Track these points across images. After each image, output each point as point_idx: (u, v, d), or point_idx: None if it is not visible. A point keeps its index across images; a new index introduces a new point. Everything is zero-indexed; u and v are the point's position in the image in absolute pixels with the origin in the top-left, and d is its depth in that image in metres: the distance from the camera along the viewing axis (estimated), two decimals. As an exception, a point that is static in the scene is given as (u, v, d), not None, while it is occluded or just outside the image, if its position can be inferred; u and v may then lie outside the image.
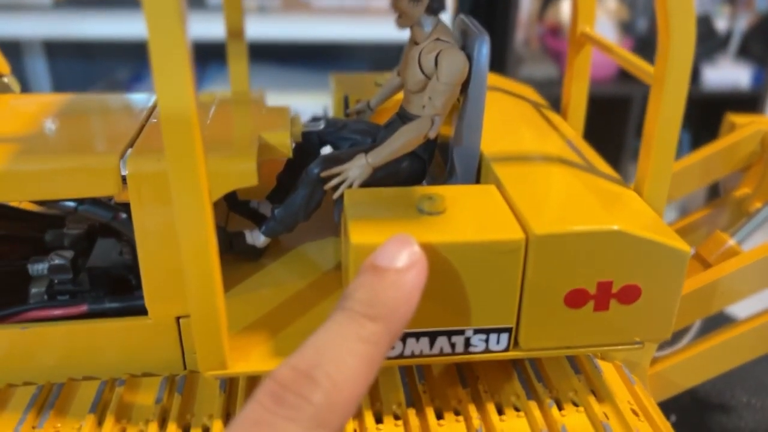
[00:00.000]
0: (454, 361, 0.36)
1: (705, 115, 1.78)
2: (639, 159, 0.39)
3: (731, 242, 0.48)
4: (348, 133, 0.44)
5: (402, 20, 0.39)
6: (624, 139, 1.82)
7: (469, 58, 0.38)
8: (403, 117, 0.41)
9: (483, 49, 0.38)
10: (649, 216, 0.36)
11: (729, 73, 1.82)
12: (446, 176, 0.42)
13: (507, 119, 0.47)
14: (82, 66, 1.92)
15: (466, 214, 0.34)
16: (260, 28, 1.46)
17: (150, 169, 0.36)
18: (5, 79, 0.50)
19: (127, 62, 1.85)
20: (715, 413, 0.58)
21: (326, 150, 0.46)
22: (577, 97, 0.49)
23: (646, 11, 1.89)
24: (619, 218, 0.34)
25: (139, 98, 0.46)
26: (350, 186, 0.38)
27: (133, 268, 0.45)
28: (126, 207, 0.39)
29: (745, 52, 1.86)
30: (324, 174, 0.38)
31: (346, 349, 0.24)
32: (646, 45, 1.80)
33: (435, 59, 0.38)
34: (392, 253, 0.27)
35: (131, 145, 0.38)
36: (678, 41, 0.35)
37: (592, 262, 0.34)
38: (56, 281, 0.44)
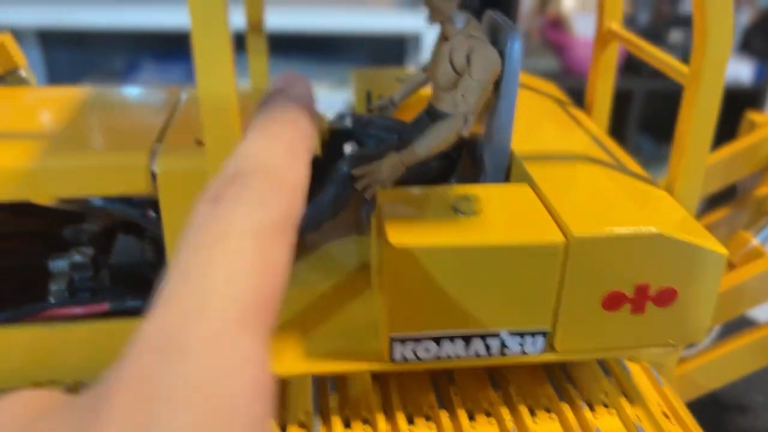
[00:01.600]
0: (489, 365, 0.36)
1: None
2: (671, 157, 0.39)
3: (755, 242, 0.47)
4: (374, 129, 0.44)
5: (433, 16, 0.39)
6: (625, 132, 1.82)
7: (501, 54, 0.38)
8: (432, 114, 0.41)
9: (515, 46, 0.38)
10: (684, 217, 0.36)
11: (730, 68, 1.80)
12: (474, 174, 0.42)
13: (534, 116, 0.46)
14: (77, 55, 1.90)
15: (503, 215, 0.34)
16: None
17: (180, 167, 0.35)
18: (22, 72, 0.49)
19: (122, 52, 1.84)
20: (731, 413, 0.58)
21: (349, 146, 0.46)
22: (602, 94, 0.49)
23: (648, 5, 1.88)
24: (656, 220, 0.34)
25: (162, 92, 0.45)
26: (382, 185, 0.37)
27: (155, 265, 0.45)
28: (153, 204, 0.38)
29: (746, 47, 1.86)
30: (356, 172, 0.38)
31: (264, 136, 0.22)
32: (647, 38, 1.80)
33: (467, 56, 0.37)
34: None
35: (159, 140, 0.37)
36: (715, 42, 0.35)
37: (630, 264, 0.33)
38: (76, 278, 0.43)
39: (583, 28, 1.79)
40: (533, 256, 0.32)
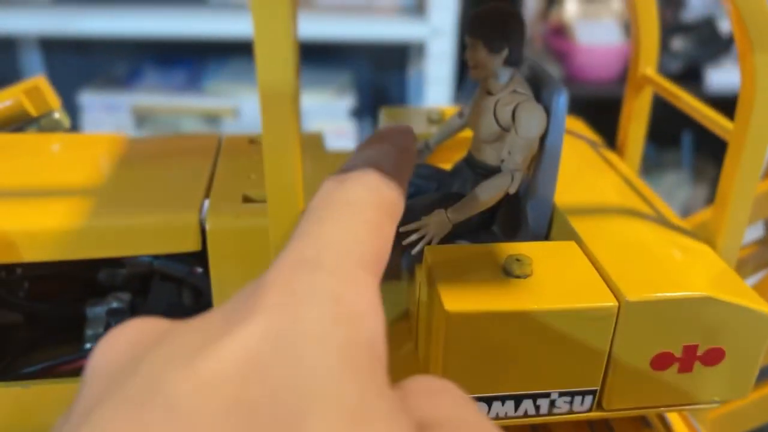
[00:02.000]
0: (537, 423, 0.36)
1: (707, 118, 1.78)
2: (713, 211, 0.39)
3: (786, 283, 0.48)
4: (413, 178, 0.44)
5: (477, 71, 0.39)
6: (629, 141, 1.82)
7: (545, 108, 0.38)
8: (472, 164, 0.41)
9: (560, 102, 0.38)
10: (729, 275, 0.36)
11: (733, 76, 1.82)
12: (515, 225, 0.42)
13: (570, 163, 0.46)
14: (79, 62, 1.89)
15: (554, 277, 0.34)
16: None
17: (229, 225, 0.35)
18: (56, 115, 0.49)
19: (124, 58, 1.83)
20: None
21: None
22: (635, 138, 0.49)
23: (651, 13, 1.89)
24: (705, 282, 0.34)
25: (200, 139, 0.45)
26: (429, 242, 0.37)
27: (191, 313, 0.45)
28: (199, 260, 0.38)
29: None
30: (403, 229, 0.38)
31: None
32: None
33: (512, 112, 0.38)
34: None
35: (207, 194, 0.37)
36: (762, 102, 0.35)
37: (680, 326, 0.34)
38: (113, 324, 0.44)
39: (586, 35, 1.80)
40: (586, 320, 0.33)
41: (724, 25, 1.89)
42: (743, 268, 0.55)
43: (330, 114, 1.63)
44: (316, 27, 1.58)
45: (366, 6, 1.67)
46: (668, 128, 1.80)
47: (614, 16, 1.89)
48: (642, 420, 0.41)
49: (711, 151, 1.97)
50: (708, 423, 0.45)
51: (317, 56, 1.77)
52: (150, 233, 0.35)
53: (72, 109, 1.52)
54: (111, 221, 0.35)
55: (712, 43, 1.84)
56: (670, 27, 1.89)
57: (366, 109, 1.74)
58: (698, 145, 2.04)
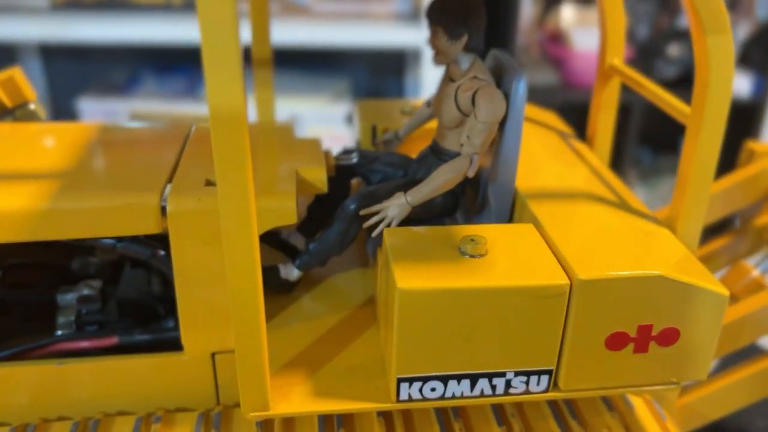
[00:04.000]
0: (493, 402, 0.36)
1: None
2: (674, 194, 0.39)
3: (755, 273, 0.48)
4: (380, 165, 0.44)
5: (439, 58, 0.40)
6: (624, 146, 1.83)
7: (506, 95, 0.38)
8: (436, 151, 0.41)
9: (520, 88, 0.38)
10: (686, 257, 0.36)
11: (729, 83, 1.82)
12: (477, 209, 0.42)
13: (537, 151, 0.47)
14: (78, 68, 1.90)
15: (509, 257, 0.35)
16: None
17: (191, 208, 0.36)
18: (32, 106, 0.49)
19: (122, 65, 1.84)
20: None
21: (355, 182, 0.46)
22: (603, 127, 0.49)
23: (647, 19, 1.90)
24: (659, 261, 0.35)
25: (169, 128, 0.46)
26: (389, 224, 0.38)
27: (161, 298, 0.45)
28: (162, 241, 0.39)
29: (745, 60, 1.87)
30: (363, 212, 0.38)
31: None
32: (646, 53, 1.80)
33: (472, 97, 0.38)
34: None
35: (170, 180, 0.38)
36: (717, 84, 0.35)
37: (634, 305, 0.34)
38: (84, 311, 0.44)
39: (582, 41, 1.80)
40: (539, 298, 0.33)
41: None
42: (717, 259, 0.56)
43: (327, 120, 1.63)
44: (312, 34, 1.59)
45: (362, 13, 1.68)
46: (665, 134, 1.80)
47: (610, 22, 1.89)
48: (606, 404, 0.41)
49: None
50: (675, 411, 0.45)
51: (314, 63, 1.78)
52: (112, 215, 0.36)
53: (71, 115, 1.53)
54: (74, 203, 0.36)
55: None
56: (665, 33, 1.89)
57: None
58: (695, 151, 2.03)
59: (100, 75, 1.83)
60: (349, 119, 1.67)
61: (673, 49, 1.82)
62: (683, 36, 1.83)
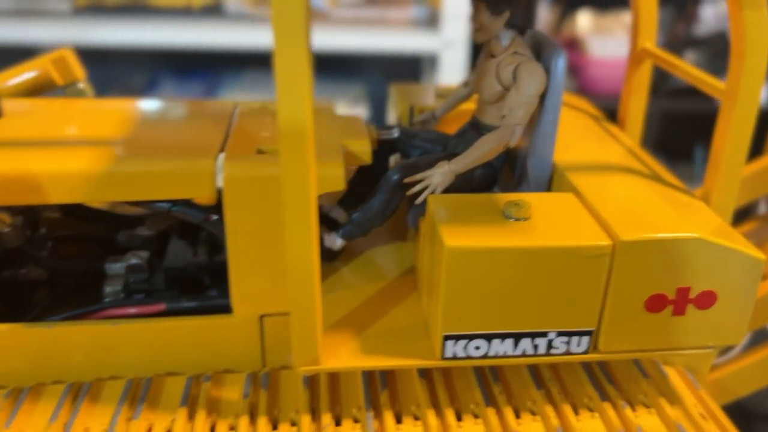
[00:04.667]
0: (536, 363, 0.37)
1: (720, 131, 1.79)
2: (707, 170, 0.41)
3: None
4: (419, 141, 0.46)
5: (480, 34, 0.41)
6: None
7: (546, 70, 0.40)
8: (476, 126, 0.43)
9: (559, 63, 0.40)
10: (721, 224, 0.38)
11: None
12: (515, 184, 0.44)
13: (572, 130, 0.48)
14: (97, 72, 1.93)
15: (552, 221, 0.36)
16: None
17: (245, 174, 0.37)
18: (80, 85, 0.51)
19: (141, 68, 1.87)
20: (757, 421, 0.60)
21: (395, 157, 0.48)
22: (635, 110, 0.51)
23: (663, 26, 1.91)
24: (697, 226, 0.36)
25: (216, 106, 0.47)
26: (433, 192, 0.39)
27: (207, 268, 0.47)
28: (215, 208, 0.40)
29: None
30: (407, 180, 0.40)
31: None
32: (663, 60, 1.82)
33: (513, 72, 0.40)
34: None
35: (222, 149, 0.39)
36: (752, 59, 0.37)
37: (673, 268, 0.35)
38: (132, 280, 0.45)
39: (598, 48, 1.82)
40: (582, 259, 0.34)
41: (736, 39, 1.90)
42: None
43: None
44: (330, 39, 1.61)
45: (380, 19, 1.71)
46: (681, 142, 1.81)
47: (626, 29, 1.91)
48: (640, 371, 0.42)
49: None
50: (709, 384, 0.46)
51: (331, 68, 1.80)
52: (169, 178, 0.37)
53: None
54: (133, 166, 0.37)
55: (725, 56, 1.85)
56: (682, 41, 1.90)
57: (379, 120, 1.77)
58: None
59: (120, 78, 1.86)
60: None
61: (690, 57, 1.84)
62: (700, 43, 1.84)
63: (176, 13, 1.62)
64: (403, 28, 1.71)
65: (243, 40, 1.54)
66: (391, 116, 0.58)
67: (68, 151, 0.38)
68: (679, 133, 1.81)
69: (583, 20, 1.93)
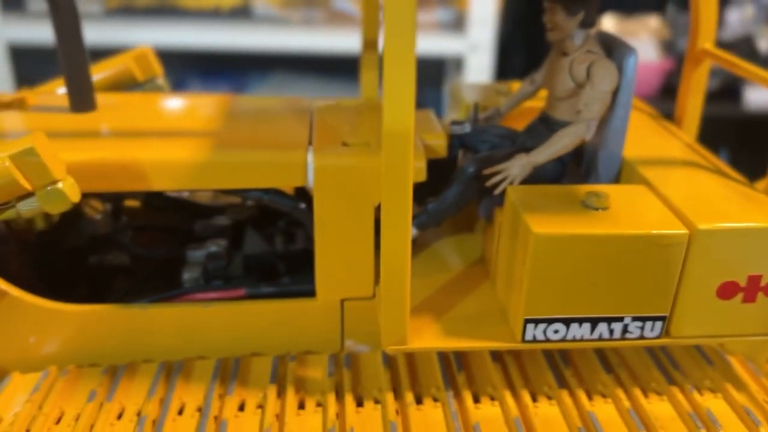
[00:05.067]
0: (609, 346, 0.39)
1: (745, 135, 1.80)
2: (771, 166, 0.42)
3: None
4: (489, 136, 0.47)
5: (554, 33, 0.43)
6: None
7: (618, 68, 0.42)
8: (546, 122, 0.45)
9: (631, 61, 0.42)
10: (789, 217, 0.39)
11: (771, 94, 1.83)
12: (583, 177, 0.46)
13: (636, 127, 0.50)
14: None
15: (630, 210, 0.38)
16: (306, 41, 1.50)
17: (334, 164, 0.40)
18: (159, 81, 0.54)
19: (169, 70, 1.90)
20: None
21: (465, 151, 0.50)
22: (692, 110, 0.52)
23: (686, 31, 1.92)
24: (767, 216, 0.38)
25: (292, 103, 0.49)
26: (511, 183, 0.41)
27: (282, 256, 0.49)
28: (303, 197, 0.43)
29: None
30: (486, 171, 0.42)
31: None
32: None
33: (587, 69, 0.41)
34: None
35: (310, 142, 0.41)
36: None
37: (746, 256, 0.37)
38: (210, 267, 0.48)
39: (623, 53, 1.83)
40: (660, 246, 0.36)
41: (762, 44, 1.91)
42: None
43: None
44: (356, 42, 1.64)
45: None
46: (705, 146, 1.80)
47: (651, 33, 1.92)
48: (704, 358, 0.44)
49: (748, 167, 1.97)
50: (766, 374, 0.48)
51: (356, 71, 1.83)
52: (264, 168, 0.40)
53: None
54: (231, 156, 0.40)
55: (750, 61, 1.85)
56: (706, 45, 1.91)
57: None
58: (735, 163, 2.04)
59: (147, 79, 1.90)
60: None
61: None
62: (725, 47, 1.85)
63: (205, 14, 1.64)
64: (428, 30, 1.73)
65: (270, 41, 1.56)
66: (450, 114, 0.60)
67: (167, 141, 0.41)
68: (703, 137, 1.82)
69: (608, 24, 1.94)
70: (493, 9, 1.54)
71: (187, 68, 1.91)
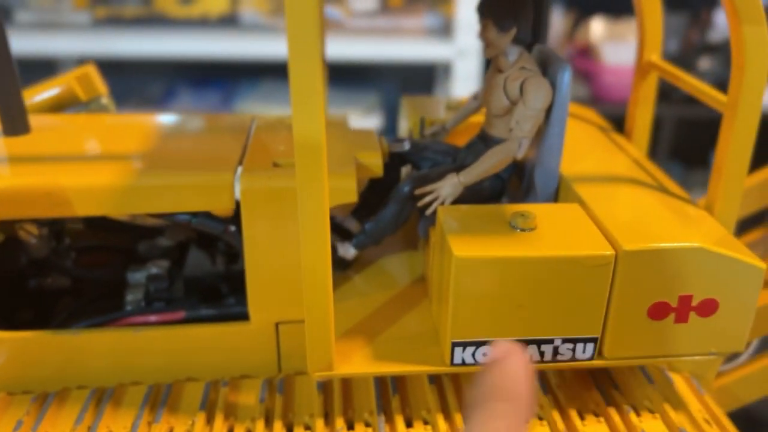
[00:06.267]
0: (541, 369, 0.38)
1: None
2: (710, 180, 0.42)
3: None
4: (430, 153, 0.47)
5: (489, 50, 0.42)
6: (655, 158, 1.83)
7: (552, 85, 0.41)
8: (485, 139, 0.44)
9: (565, 77, 0.41)
10: (724, 234, 0.39)
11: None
12: (523, 194, 0.45)
13: (579, 141, 0.49)
14: (115, 82, 1.96)
15: (557, 231, 0.37)
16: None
17: (262, 186, 0.39)
18: (103, 100, 0.53)
19: (159, 79, 1.90)
20: (763, 428, 0.60)
21: (406, 168, 0.49)
22: (641, 121, 0.52)
23: (677, 33, 1.91)
24: (699, 236, 0.37)
25: (232, 119, 0.49)
26: (442, 203, 0.40)
27: (224, 277, 0.48)
28: (232, 220, 0.42)
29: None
30: (418, 191, 0.41)
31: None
32: (677, 66, 1.82)
33: (520, 86, 0.41)
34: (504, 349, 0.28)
35: (240, 162, 0.41)
36: (752, 72, 0.38)
37: (675, 276, 0.36)
38: (152, 289, 0.47)
39: (611, 55, 1.82)
40: (586, 268, 0.35)
41: None
42: (753, 251, 0.57)
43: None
44: (345, 49, 1.63)
45: (394, 28, 1.73)
46: (696, 148, 1.81)
47: (639, 36, 1.91)
48: (646, 377, 0.43)
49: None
50: (714, 392, 0.47)
51: (346, 77, 1.83)
52: (190, 191, 0.39)
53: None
54: (156, 180, 0.39)
55: (738, 62, 1.85)
56: (696, 47, 1.90)
57: (393, 129, 1.78)
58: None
59: (137, 89, 1.90)
60: (380, 133, 1.71)
61: (704, 63, 1.84)
62: (714, 50, 1.84)
63: (193, 23, 1.65)
64: (416, 37, 1.73)
65: (259, 50, 1.56)
66: (402, 127, 0.59)
67: (93, 166, 0.40)
68: (694, 140, 1.81)
69: (597, 27, 1.94)
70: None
71: (176, 78, 1.91)
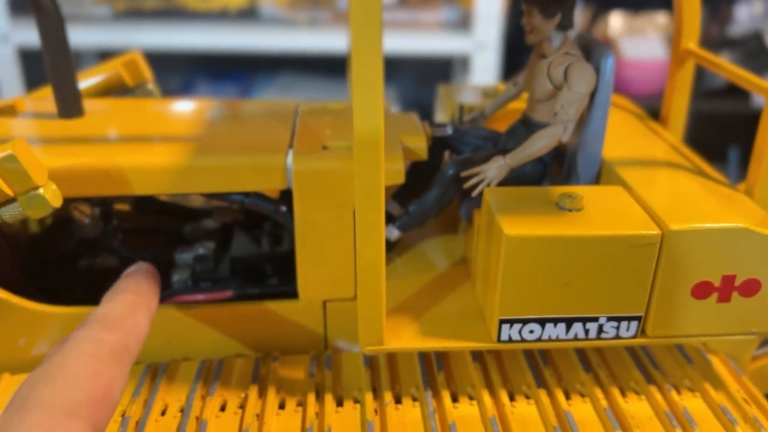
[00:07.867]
0: (586, 346, 0.39)
1: (754, 132, 1.79)
2: (751, 165, 0.42)
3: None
4: (471, 138, 0.48)
5: (532, 36, 0.43)
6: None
7: (596, 70, 0.42)
8: (527, 124, 0.45)
9: (608, 63, 0.42)
10: (765, 216, 0.39)
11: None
12: (564, 179, 0.46)
13: (618, 127, 0.50)
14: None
15: (603, 212, 0.38)
16: (312, 41, 1.51)
17: (313, 167, 0.40)
18: (149, 86, 0.55)
19: (178, 72, 1.92)
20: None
21: (448, 153, 0.50)
22: (677, 110, 0.52)
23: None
24: (743, 217, 0.38)
25: (278, 105, 0.50)
26: (488, 185, 0.41)
27: (269, 258, 0.49)
28: (284, 200, 0.43)
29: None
30: (464, 173, 0.42)
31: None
32: (696, 60, 1.81)
33: (564, 71, 0.42)
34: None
35: (290, 145, 0.42)
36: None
37: (719, 256, 0.37)
38: (198, 269, 0.48)
39: (631, 49, 1.82)
40: (632, 247, 0.36)
41: (771, 39, 1.89)
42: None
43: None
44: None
45: (412, 21, 1.73)
46: (715, 144, 1.80)
47: (659, 30, 1.91)
48: (685, 357, 0.44)
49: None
50: (750, 374, 0.48)
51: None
52: (244, 172, 0.40)
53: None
54: (211, 160, 0.40)
55: (759, 56, 1.84)
56: (716, 42, 1.90)
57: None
58: (745, 161, 2.03)
59: (156, 81, 1.92)
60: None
61: (725, 57, 1.83)
62: (733, 44, 1.84)
63: (212, 16, 1.66)
64: (434, 30, 1.73)
65: (277, 43, 1.57)
66: (438, 115, 0.60)
67: (149, 146, 0.42)
68: (713, 135, 1.81)
69: (616, 21, 1.94)
70: (498, 7, 1.54)
71: (195, 70, 1.92)
